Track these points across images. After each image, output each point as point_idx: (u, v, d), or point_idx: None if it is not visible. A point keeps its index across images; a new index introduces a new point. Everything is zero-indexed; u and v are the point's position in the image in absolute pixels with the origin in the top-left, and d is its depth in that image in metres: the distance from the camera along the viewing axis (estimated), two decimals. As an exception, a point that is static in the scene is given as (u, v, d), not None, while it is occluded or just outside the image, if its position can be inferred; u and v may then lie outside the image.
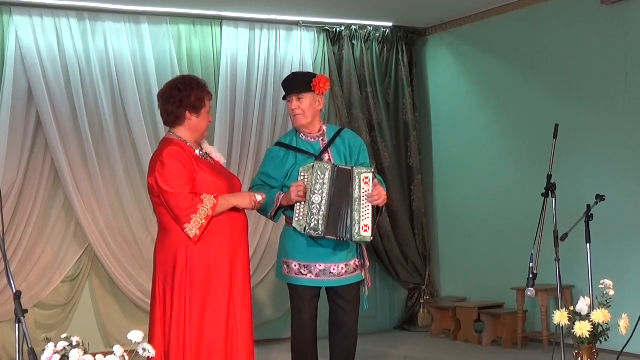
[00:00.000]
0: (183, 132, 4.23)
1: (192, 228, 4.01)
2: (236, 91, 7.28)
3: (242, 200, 4.19)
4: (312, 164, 4.46)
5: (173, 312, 4.06)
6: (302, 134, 4.68)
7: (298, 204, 4.43)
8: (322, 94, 4.65)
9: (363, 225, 4.43)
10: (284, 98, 4.72)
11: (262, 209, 4.54)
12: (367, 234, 4.45)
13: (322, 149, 4.62)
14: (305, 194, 4.41)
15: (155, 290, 4.19)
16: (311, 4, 7.11)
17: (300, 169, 4.47)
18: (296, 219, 4.45)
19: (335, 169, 4.45)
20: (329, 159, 4.59)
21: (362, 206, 4.44)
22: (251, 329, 4.22)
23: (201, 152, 4.27)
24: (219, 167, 4.36)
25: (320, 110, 4.71)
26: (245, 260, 4.25)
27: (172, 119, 4.23)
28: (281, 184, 4.58)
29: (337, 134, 4.70)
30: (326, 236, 4.42)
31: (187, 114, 4.20)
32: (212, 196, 4.05)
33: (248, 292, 4.23)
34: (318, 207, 4.40)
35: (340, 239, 4.46)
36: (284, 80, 4.79)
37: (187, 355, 4.03)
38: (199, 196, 4.03)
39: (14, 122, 6.48)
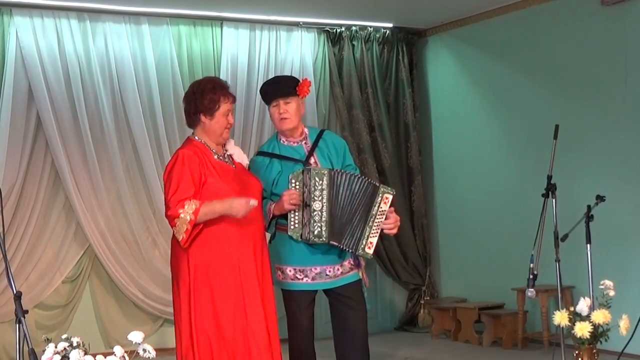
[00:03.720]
0: (201, 134, 4.24)
1: (179, 232, 3.99)
2: (236, 92, 7.26)
3: (230, 207, 3.98)
4: (301, 170, 4.40)
5: (182, 313, 4.06)
6: (283, 139, 4.61)
7: (292, 212, 4.39)
8: (304, 97, 4.62)
9: (369, 242, 4.44)
10: (268, 103, 4.61)
11: None
12: (370, 252, 4.46)
13: (306, 153, 4.56)
14: (299, 201, 4.38)
15: (173, 293, 4.20)
16: (311, 5, 7.12)
17: (290, 176, 4.41)
18: (291, 227, 4.39)
19: (333, 173, 4.42)
20: (315, 162, 4.53)
21: (374, 224, 4.45)
22: (268, 330, 4.14)
23: (220, 155, 4.23)
24: (237, 171, 4.28)
25: (302, 114, 4.65)
26: (253, 264, 4.17)
27: (189, 121, 4.27)
28: (269, 193, 4.51)
29: (320, 137, 4.65)
30: (330, 242, 4.39)
31: (202, 116, 4.20)
32: (197, 202, 3.99)
33: (257, 294, 4.14)
34: (320, 213, 4.36)
35: (343, 246, 4.43)
36: (265, 86, 4.68)
37: (202, 356, 4.03)
38: (184, 201, 3.99)
39: (14, 123, 6.48)
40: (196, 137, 4.23)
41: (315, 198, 4.36)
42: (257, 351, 4.06)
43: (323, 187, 4.37)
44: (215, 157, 4.20)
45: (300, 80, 4.61)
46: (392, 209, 4.53)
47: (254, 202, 4.03)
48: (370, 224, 4.43)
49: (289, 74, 7.37)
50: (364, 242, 4.43)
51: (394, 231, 4.56)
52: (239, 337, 4.06)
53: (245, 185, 4.23)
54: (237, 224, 4.09)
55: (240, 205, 3.99)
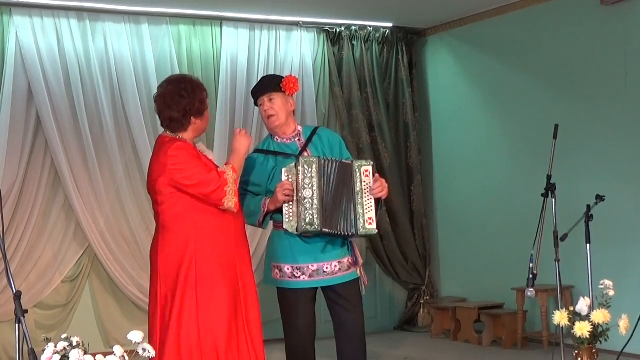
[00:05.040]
0: (185, 135, 4.21)
1: (230, 199, 4.05)
2: (236, 92, 7.28)
3: (241, 148, 4.28)
4: (294, 163, 4.40)
5: (183, 310, 4.04)
6: (277, 137, 4.61)
7: (286, 205, 4.37)
8: (293, 94, 4.60)
9: (367, 218, 4.40)
10: (256, 104, 4.65)
11: (250, 217, 4.46)
12: (372, 227, 4.41)
13: (299, 148, 4.56)
14: (292, 193, 4.38)
15: (156, 290, 4.17)
16: (311, 5, 7.12)
17: (283, 170, 4.40)
18: (286, 220, 4.38)
19: (322, 161, 4.40)
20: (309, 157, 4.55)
21: (364, 199, 4.40)
22: (260, 325, 4.21)
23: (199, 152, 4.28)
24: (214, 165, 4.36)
25: (293, 110, 4.65)
26: (248, 257, 4.26)
27: (176, 125, 4.17)
28: (264, 189, 4.52)
29: (314, 133, 4.65)
30: (323, 229, 4.34)
31: (192, 119, 4.18)
32: (224, 164, 4.15)
33: (254, 289, 4.23)
34: (310, 201, 4.33)
35: (341, 234, 4.41)
36: (252, 88, 4.72)
37: (196, 353, 4.02)
38: (216, 170, 4.09)
39: (14, 123, 6.48)
40: (183, 138, 4.20)
41: (306, 186, 4.34)
42: (255, 347, 4.12)
43: (312, 174, 4.35)
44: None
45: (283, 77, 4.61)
46: (377, 175, 4.50)
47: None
48: (360, 201, 4.40)
49: (289, 74, 7.37)
50: (362, 221, 4.39)
51: (383, 194, 4.48)
52: (229, 333, 4.08)
53: None
54: (235, 220, 4.15)
55: (245, 139, 4.31)
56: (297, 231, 4.37)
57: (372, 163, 4.51)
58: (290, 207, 4.37)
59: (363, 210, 4.40)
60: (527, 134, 7.12)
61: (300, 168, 4.35)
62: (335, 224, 4.38)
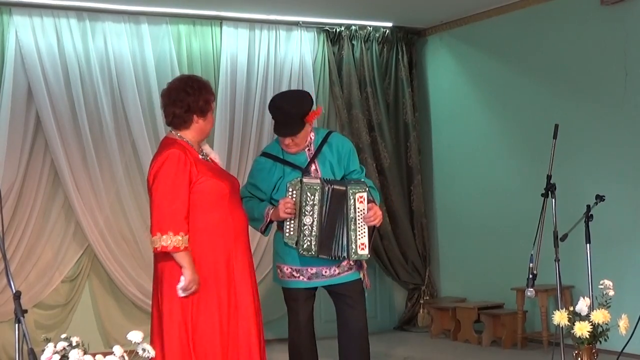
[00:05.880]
0: (188, 134, 4.19)
1: (154, 242, 3.96)
2: (236, 91, 7.28)
3: (191, 274, 3.98)
4: (299, 179, 4.41)
5: (172, 311, 4.05)
6: None
7: (287, 220, 4.42)
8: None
9: (360, 243, 4.44)
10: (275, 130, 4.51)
11: (252, 222, 4.48)
12: (364, 252, 4.46)
13: (308, 159, 4.55)
14: (294, 210, 4.39)
15: (157, 290, 4.16)
16: (311, 4, 7.12)
17: (288, 185, 4.42)
18: (287, 234, 4.44)
19: (326, 188, 4.41)
20: (316, 170, 4.53)
21: (358, 225, 4.43)
22: (258, 327, 4.20)
23: (201, 154, 4.25)
24: (219, 168, 4.34)
25: (310, 130, 4.57)
26: (247, 259, 4.24)
27: (178, 122, 4.17)
28: (269, 197, 4.54)
29: (324, 141, 4.61)
30: (319, 256, 4.42)
31: (195, 117, 4.16)
32: (185, 245, 3.96)
33: (252, 291, 4.21)
34: (310, 228, 4.39)
35: (334, 258, 4.46)
36: (273, 113, 4.49)
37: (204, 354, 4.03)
38: (183, 225, 3.96)
39: (13, 122, 6.48)
40: (183, 138, 4.18)
41: (307, 213, 4.39)
42: (247, 350, 4.10)
43: (315, 202, 4.40)
44: (200, 156, 4.20)
45: (308, 108, 4.45)
46: (371, 204, 4.48)
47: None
48: (353, 227, 4.43)
49: (289, 74, 7.43)
50: (354, 246, 4.44)
51: (376, 222, 4.48)
52: (221, 335, 4.09)
53: (232, 181, 4.28)
54: (234, 220, 4.15)
55: (196, 282, 4.01)
56: (295, 246, 4.42)
57: (367, 189, 4.48)
58: (292, 223, 4.42)
59: (356, 237, 4.44)
60: (527, 134, 7.12)
61: (302, 194, 4.37)
62: (329, 249, 4.44)
